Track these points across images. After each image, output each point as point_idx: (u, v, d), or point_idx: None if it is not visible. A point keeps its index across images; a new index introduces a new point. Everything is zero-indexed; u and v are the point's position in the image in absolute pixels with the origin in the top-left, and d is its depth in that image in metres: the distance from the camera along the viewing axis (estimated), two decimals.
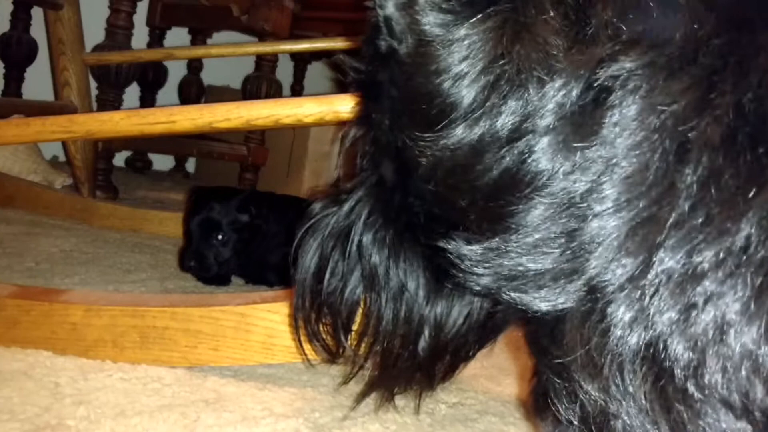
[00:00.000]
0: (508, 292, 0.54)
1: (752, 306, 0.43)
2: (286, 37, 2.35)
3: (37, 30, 2.40)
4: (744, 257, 0.43)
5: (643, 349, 0.46)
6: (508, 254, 0.53)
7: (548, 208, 0.51)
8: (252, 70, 2.45)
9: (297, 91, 3.35)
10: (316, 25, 2.68)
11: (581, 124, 0.50)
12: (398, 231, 0.70)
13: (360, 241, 0.72)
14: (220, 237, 1.41)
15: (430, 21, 0.58)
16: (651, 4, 0.50)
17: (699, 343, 0.44)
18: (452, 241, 0.59)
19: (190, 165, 3.28)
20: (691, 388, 0.45)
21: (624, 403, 0.48)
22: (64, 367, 0.88)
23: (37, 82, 2.47)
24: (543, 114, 0.51)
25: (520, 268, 0.53)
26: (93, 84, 2.09)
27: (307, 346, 0.80)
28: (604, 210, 0.48)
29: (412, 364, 0.74)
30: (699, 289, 0.44)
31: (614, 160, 0.48)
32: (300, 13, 2.46)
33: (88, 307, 0.93)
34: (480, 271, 0.56)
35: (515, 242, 0.53)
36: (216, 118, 0.93)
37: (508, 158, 0.53)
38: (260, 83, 2.31)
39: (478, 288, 0.57)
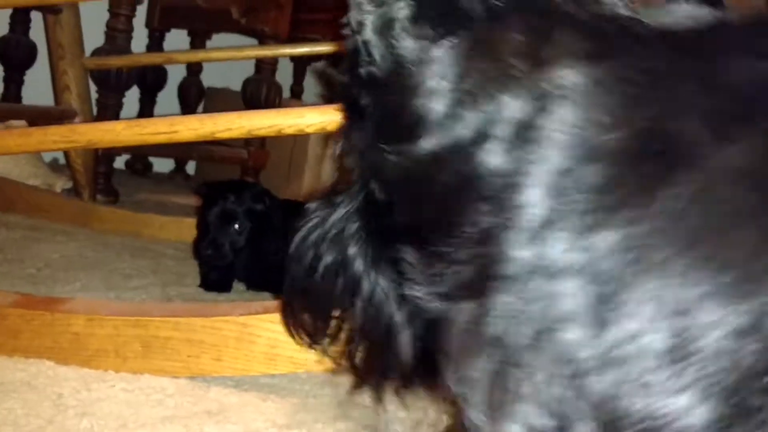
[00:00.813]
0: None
1: (583, 310, 0.45)
2: (285, 39, 2.35)
3: (37, 33, 2.40)
4: (594, 261, 0.45)
5: (497, 334, 0.48)
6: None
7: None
8: (252, 72, 2.45)
9: (297, 92, 3.34)
10: (315, 27, 2.68)
11: (524, 132, 0.53)
12: (380, 244, 0.71)
13: (347, 249, 0.74)
14: (236, 226, 1.46)
15: (407, 46, 0.61)
16: (607, 31, 0.54)
17: (533, 339, 0.46)
18: (406, 248, 0.62)
19: (191, 167, 3.27)
20: (518, 382, 0.47)
21: (474, 389, 0.50)
22: (67, 378, 0.88)
23: (36, 85, 2.47)
24: (496, 125, 0.54)
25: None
26: (93, 87, 2.09)
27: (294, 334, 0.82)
28: (529, 208, 0.50)
29: (396, 372, 0.75)
30: (550, 285, 0.46)
31: (540, 163, 0.50)
32: (299, 15, 2.46)
33: (90, 316, 0.94)
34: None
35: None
36: (218, 128, 0.93)
37: (462, 167, 0.56)
38: (260, 86, 2.31)
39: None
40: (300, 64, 3.33)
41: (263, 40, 2.41)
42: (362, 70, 0.66)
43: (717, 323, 0.42)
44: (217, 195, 1.48)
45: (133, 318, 0.93)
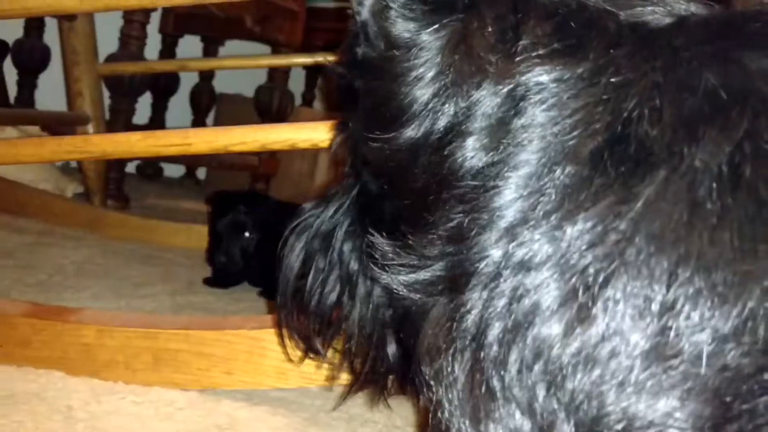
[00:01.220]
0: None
1: (557, 305, 0.45)
2: (298, 47, 2.35)
3: (50, 35, 2.41)
4: (567, 254, 0.45)
5: (472, 331, 0.48)
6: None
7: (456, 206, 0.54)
8: (264, 78, 2.45)
9: (309, 100, 3.35)
10: (328, 35, 2.68)
11: (497, 130, 0.53)
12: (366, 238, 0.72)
13: (341, 247, 0.75)
14: (246, 235, 1.54)
15: (398, 28, 0.62)
16: (578, 27, 0.54)
17: (507, 336, 0.46)
18: (379, 236, 0.63)
19: (201, 172, 3.28)
20: (494, 381, 0.47)
21: (449, 389, 0.49)
22: (77, 389, 0.88)
23: (49, 89, 2.48)
24: (469, 121, 0.55)
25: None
26: (106, 92, 2.09)
27: (289, 343, 0.83)
28: (503, 209, 0.50)
29: (385, 369, 0.76)
30: (523, 280, 0.46)
31: (514, 163, 0.51)
32: (313, 24, 2.47)
33: (100, 327, 0.93)
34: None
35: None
36: (231, 141, 0.93)
37: (436, 160, 0.57)
38: (272, 94, 2.31)
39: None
40: (312, 71, 3.33)
41: (276, 48, 2.41)
42: (359, 50, 0.67)
43: (704, 325, 0.41)
44: (228, 205, 1.55)
45: (144, 330, 0.93)
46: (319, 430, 0.88)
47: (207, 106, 3.11)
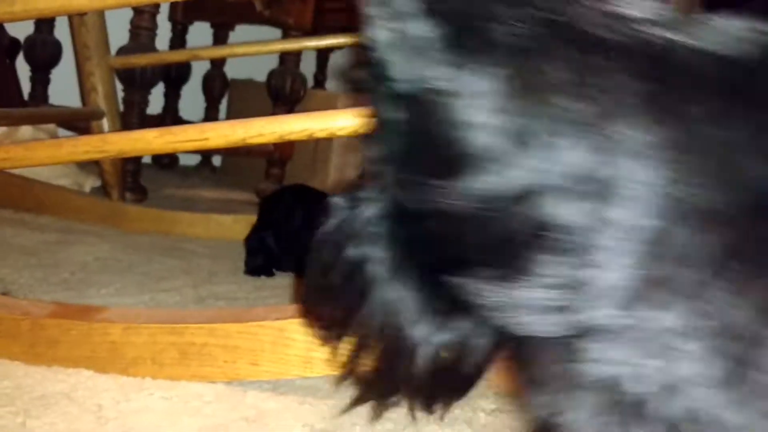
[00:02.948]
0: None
1: (716, 372, 0.43)
2: (309, 30, 2.34)
3: (61, 29, 2.41)
4: (722, 324, 0.44)
5: (595, 379, 0.47)
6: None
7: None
8: (275, 63, 2.44)
9: (320, 81, 3.34)
10: (339, 16, 2.67)
11: (598, 189, 0.50)
12: (402, 254, 0.70)
13: (366, 252, 0.73)
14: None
15: (439, 71, 0.57)
16: (660, 64, 0.51)
17: (651, 392, 0.45)
18: (469, 278, 0.59)
19: (216, 159, 3.28)
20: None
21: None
22: (106, 388, 0.89)
23: (62, 83, 2.48)
24: (556, 176, 0.51)
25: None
26: (119, 85, 2.10)
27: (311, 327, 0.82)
28: (606, 262, 0.48)
29: (406, 383, 0.74)
30: (673, 345, 0.44)
31: (617, 219, 0.48)
32: (323, 4, 2.45)
33: (126, 325, 0.94)
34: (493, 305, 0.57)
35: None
36: (249, 134, 0.93)
37: (518, 211, 0.53)
38: (284, 78, 2.30)
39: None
40: (323, 53, 3.32)
41: (287, 31, 2.40)
42: (383, 87, 0.63)
43: None
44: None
45: (169, 325, 0.94)
46: (347, 417, 0.88)
47: (220, 92, 3.10)
